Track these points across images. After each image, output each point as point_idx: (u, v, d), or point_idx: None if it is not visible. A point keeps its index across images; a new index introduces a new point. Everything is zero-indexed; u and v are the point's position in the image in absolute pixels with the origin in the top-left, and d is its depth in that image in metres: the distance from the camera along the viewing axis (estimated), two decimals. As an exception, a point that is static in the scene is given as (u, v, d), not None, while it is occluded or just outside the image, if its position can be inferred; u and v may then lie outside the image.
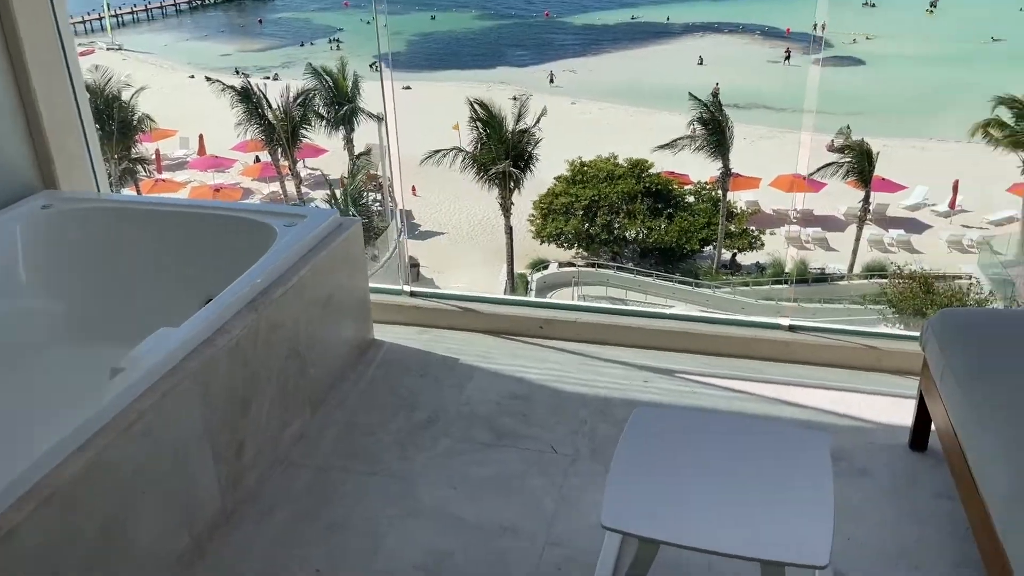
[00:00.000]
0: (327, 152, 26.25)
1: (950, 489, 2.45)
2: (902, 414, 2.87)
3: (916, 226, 23.16)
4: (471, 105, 19.22)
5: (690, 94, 21.08)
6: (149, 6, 69.13)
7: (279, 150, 20.07)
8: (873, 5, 59.56)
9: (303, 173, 26.98)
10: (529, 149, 18.91)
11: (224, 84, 21.87)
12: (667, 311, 3.78)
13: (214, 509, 2.51)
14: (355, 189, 15.84)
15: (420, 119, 34.10)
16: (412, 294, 3.80)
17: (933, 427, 2.62)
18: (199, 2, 75.20)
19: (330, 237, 3.12)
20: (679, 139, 20.77)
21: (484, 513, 2.57)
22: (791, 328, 3.45)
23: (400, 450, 2.90)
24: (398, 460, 2.85)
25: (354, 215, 15.62)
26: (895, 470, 2.70)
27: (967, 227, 22.78)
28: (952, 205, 23.77)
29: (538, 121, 18.99)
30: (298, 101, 19.50)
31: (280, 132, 17.35)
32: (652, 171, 22.10)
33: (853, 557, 2.32)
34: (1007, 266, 18.13)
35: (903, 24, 54.98)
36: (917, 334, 2.66)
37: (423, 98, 42.16)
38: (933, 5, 57.97)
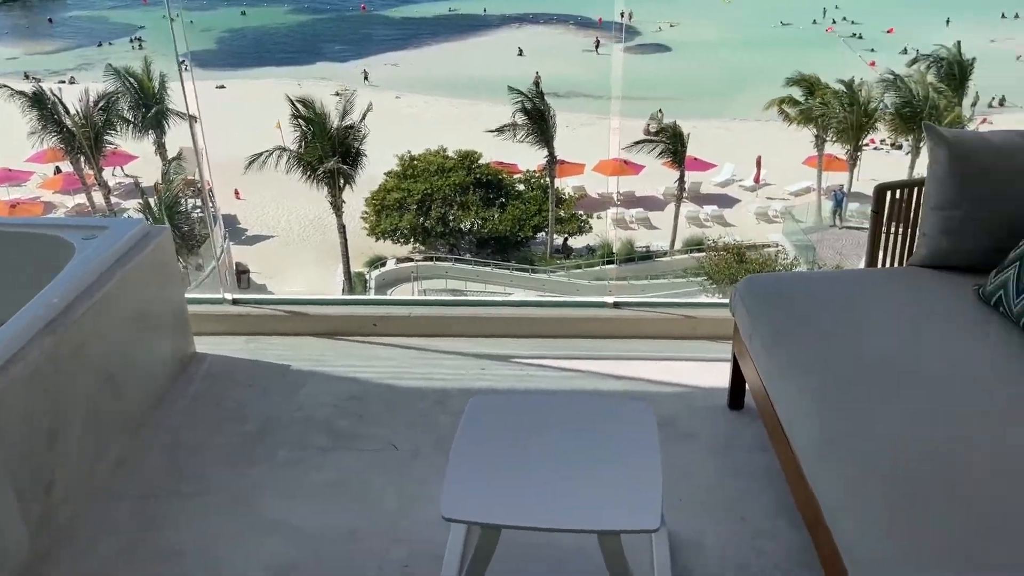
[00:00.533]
0: (137, 158, 24.62)
1: (765, 443, 2.64)
2: (720, 377, 3.05)
3: (727, 201, 24.82)
4: (292, 103, 18.58)
5: (509, 87, 21.45)
6: (-86, 5, 61.89)
7: (82, 159, 18.56)
8: (676, -6, 63.40)
9: (112, 182, 25.17)
10: (357, 145, 18.53)
11: (12, 89, 19.94)
12: (502, 299, 3.83)
13: (24, 553, 2.29)
14: (170, 197, 14.87)
15: (238, 118, 32.68)
16: (235, 301, 3.63)
17: (748, 387, 2.81)
18: (-26, 0, 68.20)
19: (137, 248, 2.91)
20: (505, 126, 21.11)
21: (327, 520, 2.50)
22: (616, 305, 3.59)
23: (232, 465, 2.76)
24: (231, 476, 2.71)
25: (175, 224, 14.66)
26: (716, 430, 2.88)
27: (771, 199, 24.66)
28: (757, 180, 25.66)
29: (364, 116, 18.66)
30: (100, 105, 18.02)
31: (81, 139, 15.96)
32: (482, 162, 22.36)
33: (684, 517, 2.45)
34: (807, 232, 19.81)
35: (702, 11, 58.69)
36: (727, 301, 2.84)
37: (239, 97, 40.38)
38: (727, -9, 62.61)
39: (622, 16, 55.64)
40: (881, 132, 23.32)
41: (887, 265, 2.90)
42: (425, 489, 2.62)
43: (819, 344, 2.27)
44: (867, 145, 22.66)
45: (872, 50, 45.36)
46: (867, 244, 2.95)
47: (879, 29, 49.54)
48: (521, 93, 20.91)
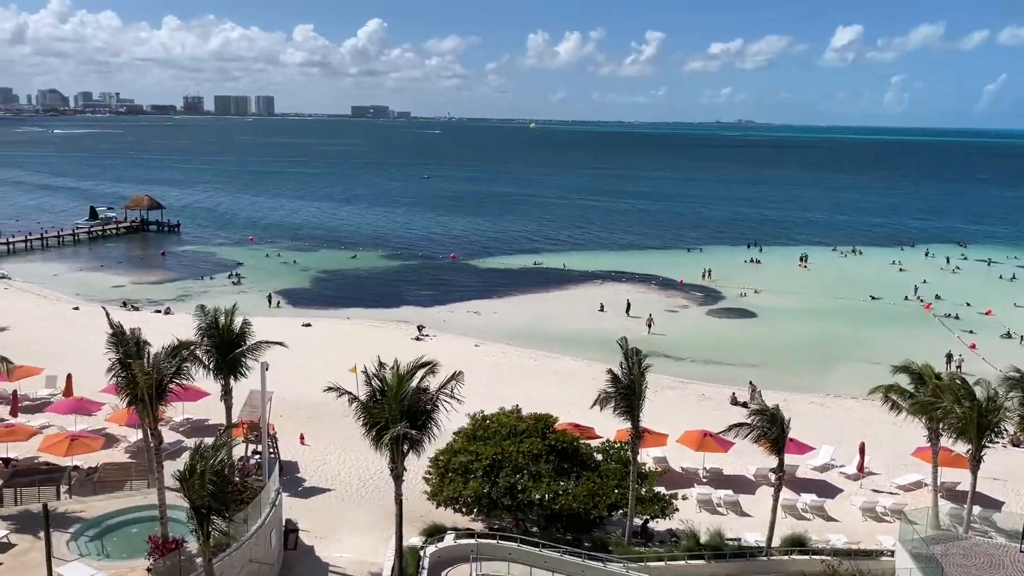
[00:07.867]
0: (208, 396, 24.16)
1: None
2: None
3: (828, 490, 22.29)
4: (365, 369, 17.14)
5: (621, 346, 19.36)
6: (45, 235, 67.18)
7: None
8: (758, 262, 63.80)
9: (180, 418, 24.67)
10: (427, 409, 17.12)
11: (108, 315, 19.77)
12: None
13: None
14: (221, 462, 13.21)
15: (317, 357, 32.55)
16: None
17: None
18: (99, 232, 73.66)
19: None
20: (601, 397, 19.11)
21: None
22: None
23: None
24: None
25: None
26: None
27: (878, 492, 22.05)
28: (860, 468, 23.23)
29: (445, 384, 17.02)
30: (175, 354, 17.31)
31: (143, 388, 15.17)
32: (556, 424, 20.78)
33: None
34: (929, 542, 17.10)
35: (784, 278, 58.36)
36: None
37: (323, 336, 40.88)
38: (804, 259, 62.66)
39: (703, 276, 55.89)
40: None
41: None
42: None
43: None
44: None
45: (971, 331, 43.11)
46: None
47: (976, 310, 47.54)
48: (627, 356, 18.98)
